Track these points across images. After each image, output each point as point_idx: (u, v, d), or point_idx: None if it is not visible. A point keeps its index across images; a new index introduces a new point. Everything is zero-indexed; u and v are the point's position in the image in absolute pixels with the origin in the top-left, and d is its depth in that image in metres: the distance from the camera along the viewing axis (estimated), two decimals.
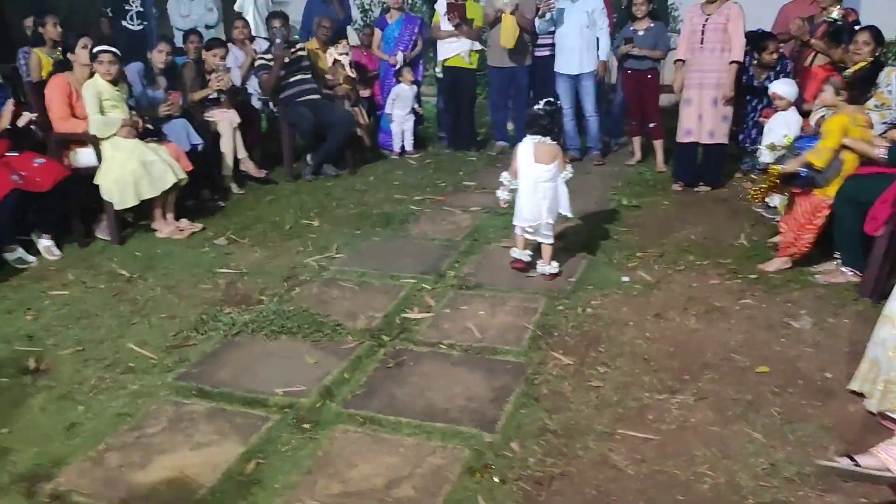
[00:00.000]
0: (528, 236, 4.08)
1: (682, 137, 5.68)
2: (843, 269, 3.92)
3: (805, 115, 4.96)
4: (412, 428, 2.71)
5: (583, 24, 6.39)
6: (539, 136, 3.91)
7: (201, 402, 2.92)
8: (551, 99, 4.04)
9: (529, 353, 3.25)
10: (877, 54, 4.44)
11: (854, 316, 3.53)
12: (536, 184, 3.90)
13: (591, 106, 6.61)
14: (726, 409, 2.80)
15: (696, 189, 5.75)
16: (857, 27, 4.93)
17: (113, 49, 4.80)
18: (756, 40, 5.53)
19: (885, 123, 4.25)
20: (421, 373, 3.11)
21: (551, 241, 4.04)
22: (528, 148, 3.93)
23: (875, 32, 4.57)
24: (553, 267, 4.06)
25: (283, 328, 3.50)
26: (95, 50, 4.75)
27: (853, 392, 2.83)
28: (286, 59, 6.23)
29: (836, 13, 5.55)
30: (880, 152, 3.80)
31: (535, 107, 3.98)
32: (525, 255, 4.15)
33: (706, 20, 5.41)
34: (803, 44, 5.65)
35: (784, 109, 4.98)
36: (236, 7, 8.10)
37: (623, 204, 5.41)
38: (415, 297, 3.87)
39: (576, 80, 6.54)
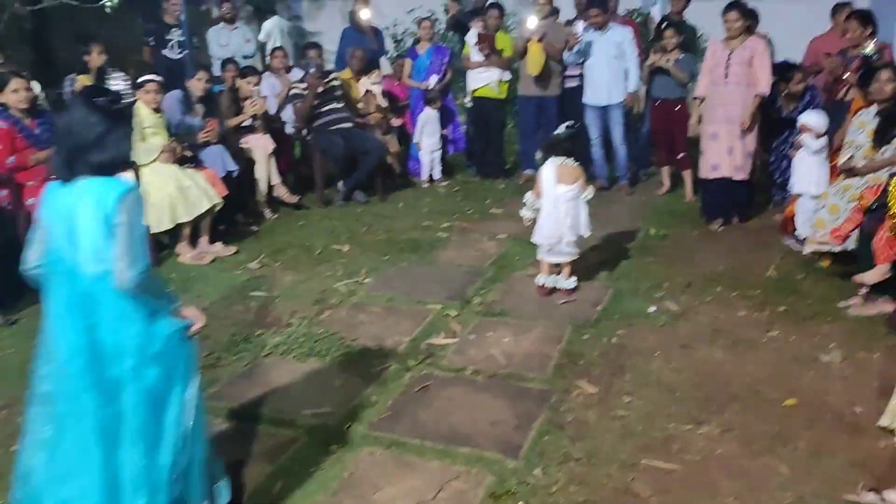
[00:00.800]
0: (548, 257, 4.19)
1: (708, 173, 5.56)
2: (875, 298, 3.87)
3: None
4: (436, 452, 2.74)
5: (611, 55, 6.43)
6: (562, 158, 4.08)
7: (231, 422, 2.98)
8: (571, 122, 4.24)
9: (554, 381, 3.26)
10: None
11: (885, 351, 3.49)
12: (558, 203, 4.04)
13: (619, 136, 6.63)
14: (752, 441, 2.79)
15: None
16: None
17: (158, 78, 5.02)
18: (782, 71, 5.53)
19: None
20: (445, 397, 3.14)
21: (571, 258, 4.19)
22: (552, 169, 4.08)
23: None
24: (571, 282, 4.19)
25: (313, 351, 3.57)
26: (141, 79, 4.96)
27: (883, 429, 2.79)
28: (320, 89, 6.37)
29: (871, 48, 5.52)
30: None
31: (556, 130, 4.21)
32: (550, 281, 4.21)
33: (730, 54, 5.39)
34: (836, 79, 5.63)
35: None
36: (261, 37, 8.28)
37: (651, 234, 5.41)
38: (441, 323, 3.91)
39: (604, 110, 6.59)
